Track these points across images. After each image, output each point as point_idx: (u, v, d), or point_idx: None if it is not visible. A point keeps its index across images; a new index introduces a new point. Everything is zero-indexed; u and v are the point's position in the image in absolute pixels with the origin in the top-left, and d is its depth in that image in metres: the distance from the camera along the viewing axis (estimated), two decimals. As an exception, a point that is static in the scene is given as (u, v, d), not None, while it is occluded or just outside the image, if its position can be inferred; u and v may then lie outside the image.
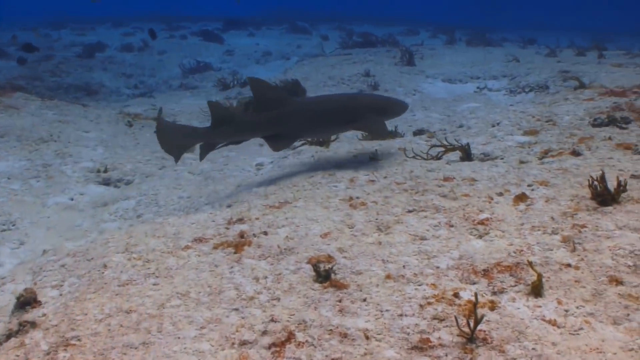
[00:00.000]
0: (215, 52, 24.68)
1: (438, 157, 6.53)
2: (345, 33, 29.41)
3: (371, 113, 6.45)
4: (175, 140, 6.33)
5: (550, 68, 12.58)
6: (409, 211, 4.71)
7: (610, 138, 6.43)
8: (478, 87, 12.32)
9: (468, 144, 6.51)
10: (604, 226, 4.07)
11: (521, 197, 4.71)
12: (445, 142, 6.70)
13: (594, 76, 10.47)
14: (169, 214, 6.42)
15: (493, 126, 7.91)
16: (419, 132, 8.34)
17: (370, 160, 6.70)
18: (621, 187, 4.41)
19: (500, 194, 4.91)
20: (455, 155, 6.57)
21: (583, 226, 4.10)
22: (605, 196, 4.40)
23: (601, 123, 7.04)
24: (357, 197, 5.15)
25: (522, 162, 6.11)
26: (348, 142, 7.84)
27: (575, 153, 6.09)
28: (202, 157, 6.48)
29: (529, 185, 5.08)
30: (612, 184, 4.51)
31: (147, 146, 9.01)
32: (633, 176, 5.07)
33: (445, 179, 5.46)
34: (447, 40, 24.72)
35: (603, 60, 13.40)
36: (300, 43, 26.65)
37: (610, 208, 4.35)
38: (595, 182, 4.50)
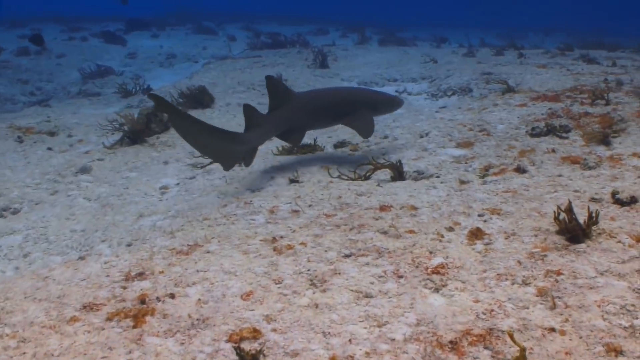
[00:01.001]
0: (117, 54, 22.94)
1: (366, 177, 5.74)
2: (252, 33, 28.28)
3: (366, 108, 6.56)
4: (221, 148, 5.75)
5: (471, 69, 12.13)
6: (346, 255, 3.84)
7: (553, 150, 5.87)
8: (397, 91, 11.68)
9: (400, 162, 5.75)
10: (583, 272, 3.36)
11: (476, 233, 3.96)
12: (372, 159, 5.90)
13: (520, 78, 10.06)
14: (60, 253, 5.24)
15: (422, 137, 7.21)
16: (340, 144, 7.52)
17: (290, 183, 5.82)
18: (592, 219, 3.73)
19: (451, 229, 4.14)
20: (385, 173, 5.81)
21: (558, 273, 3.37)
22: (575, 231, 3.71)
23: (540, 132, 6.48)
24: (282, 237, 4.23)
25: (462, 182, 5.40)
26: (263, 159, 6.91)
27: (520, 170, 5.45)
28: (248, 163, 6.25)
29: (480, 215, 4.34)
30: (578, 210, 3.84)
31: (39, 166, 7.66)
32: (593, 200, 4.45)
33: (382, 208, 4.64)
34: (358, 40, 24.12)
35: (524, 61, 13.12)
36: (207, 44, 25.27)
37: (583, 246, 3.66)
38: (562, 214, 3.81)
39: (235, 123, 8.65)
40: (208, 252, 4.12)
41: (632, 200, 4.24)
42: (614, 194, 4.37)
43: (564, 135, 6.37)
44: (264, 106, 6.84)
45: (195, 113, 9.03)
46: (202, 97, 10.12)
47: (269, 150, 7.20)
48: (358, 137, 6.81)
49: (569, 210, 3.76)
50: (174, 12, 37.03)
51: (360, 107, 6.52)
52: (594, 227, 3.79)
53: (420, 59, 15.16)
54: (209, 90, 10.54)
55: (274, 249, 4.03)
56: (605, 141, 6.00)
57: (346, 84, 12.88)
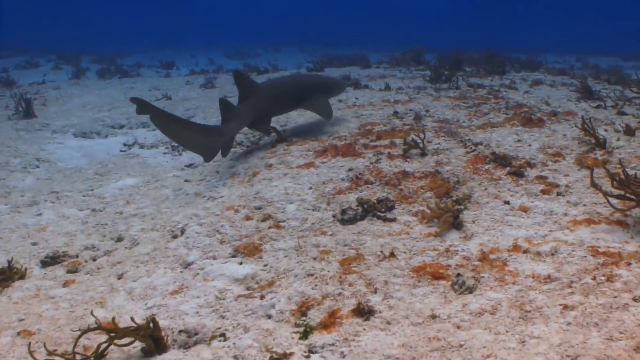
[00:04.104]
0: None
1: (99, 355, 2.89)
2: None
3: (319, 92, 7.12)
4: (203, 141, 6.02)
5: (216, 107, 9.60)
6: None
7: (393, 254, 3.64)
8: (126, 144, 8.73)
9: (155, 323, 3.00)
10: None
11: None
12: (96, 323, 3.06)
13: (285, 118, 7.85)
14: None
15: (175, 237, 4.51)
16: (52, 260, 4.43)
17: None
18: None
19: None
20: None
21: None
22: None
23: (354, 216, 4.25)
24: None
25: (272, 351, 2.86)
26: None
27: (361, 312, 3.08)
28: (225, 154, 6.47)
29: None
30: None
31: None
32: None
33: None
34: (73, 73, 20.11)
35: None
36: None
37: None
38: None
39: None
40: None
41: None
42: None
43: (389, 216, 4.23)
44: None
45: None
46: None
47: None
48: (79, 238, 3.91)
49: None
50: None
51: (315, 92, 7.06)
52: None
53: (149, 94, 12.31)
54: None
55: None
56: (456, 223, 3.96)
57: (58, 136, 9.50)
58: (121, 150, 8.44)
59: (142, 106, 5.23)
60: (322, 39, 40.61)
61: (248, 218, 4.56)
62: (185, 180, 6.25)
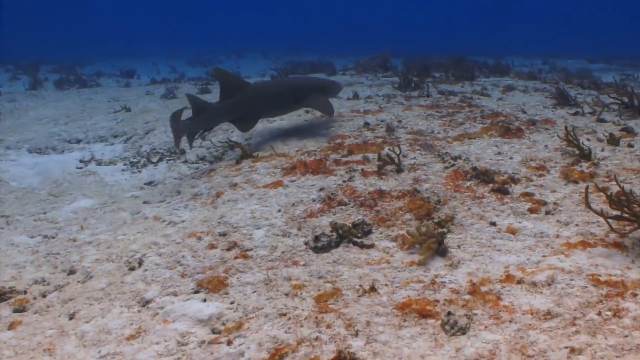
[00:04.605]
0: None
1: None
2: None
3: (317, 92, 7.13)
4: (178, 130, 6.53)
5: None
6: None
7: (373, 288, 3.28)
8: (82, 160, 8.21)
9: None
10: None
11: None
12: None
13: (249, 131, 7.44)
14: None
15: (133, 269, 4.07)
16: None
17: None
18: None
19: None
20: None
21: None
22: None
23: (329, 243, 3.88)
24: None
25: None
26: None
27: (344, 360, 2.71)
28: (190, 144, 6.93)
29: None
30: None
31: None
32: None
33: None
34: (30, 84, 19.30)
35: None
36: None
37: None
38: None
39: None
40: None
41: None
42: None
43: (366, 242, 3.87)
44: None
45: None
46: None
47: None
48: (28, 271, 3.46)
49: None
50: None
51: (312, 92, 7.07)
52: None
53: (108, 106, 11.78)
54: None
55: None
56: (440, 250, 3.62)
57: (12, 152, 8.93)
58: (77, 167, 7.93)
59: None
60: (286, 44, 40.31)
61: (212, 246, 4.16)
62: (144, 202, 5.80)
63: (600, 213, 3.48)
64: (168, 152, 7.94)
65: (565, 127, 5.48)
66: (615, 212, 3.49)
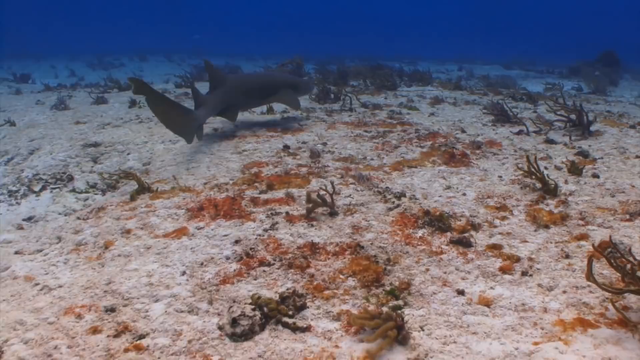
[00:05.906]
0: None
1: None
2: None
3: (287, 88, 7.63)
4: (186, 122, 6.33)
5: (67, 136, 7.89)
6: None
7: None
8: (-52, 188, 6.78)
9: None
10: None
11: None
12: None
13: (147, 155, 6.31)
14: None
15: (-22, 368, 2.93)
16: None
17: None
18: None
19: None
20: None
21: None
22: None
23: (251, 328, 2.92)
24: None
25: None
26: None
27: None
28: (199, 137, 6.56)
29: None
30: None
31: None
32: None
33: None
34: None
35: (141, 114, 9.28)
36: None
37: None
38: None
39: None
40: None
41: None
42: None
43: (300, 324, 2.93)
44: None
45: None
46: None
47: None
48: None
49: None
50: None
51: (283, 88, 7.60)
52: None
53: (-11, 119, 10.22)
54: None
55: None
56: (400, 337, 2.73)
57: None
58: None
59: (139, 86, 5.71)
60: (190, 45, 38.89)
61: (95, 330, 3.07)
62: (16, 252, 4.58)
63: (611, 290, 2.69)
64: (53, 179, 6.67)
65: (527, 157, 4.69)
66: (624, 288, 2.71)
